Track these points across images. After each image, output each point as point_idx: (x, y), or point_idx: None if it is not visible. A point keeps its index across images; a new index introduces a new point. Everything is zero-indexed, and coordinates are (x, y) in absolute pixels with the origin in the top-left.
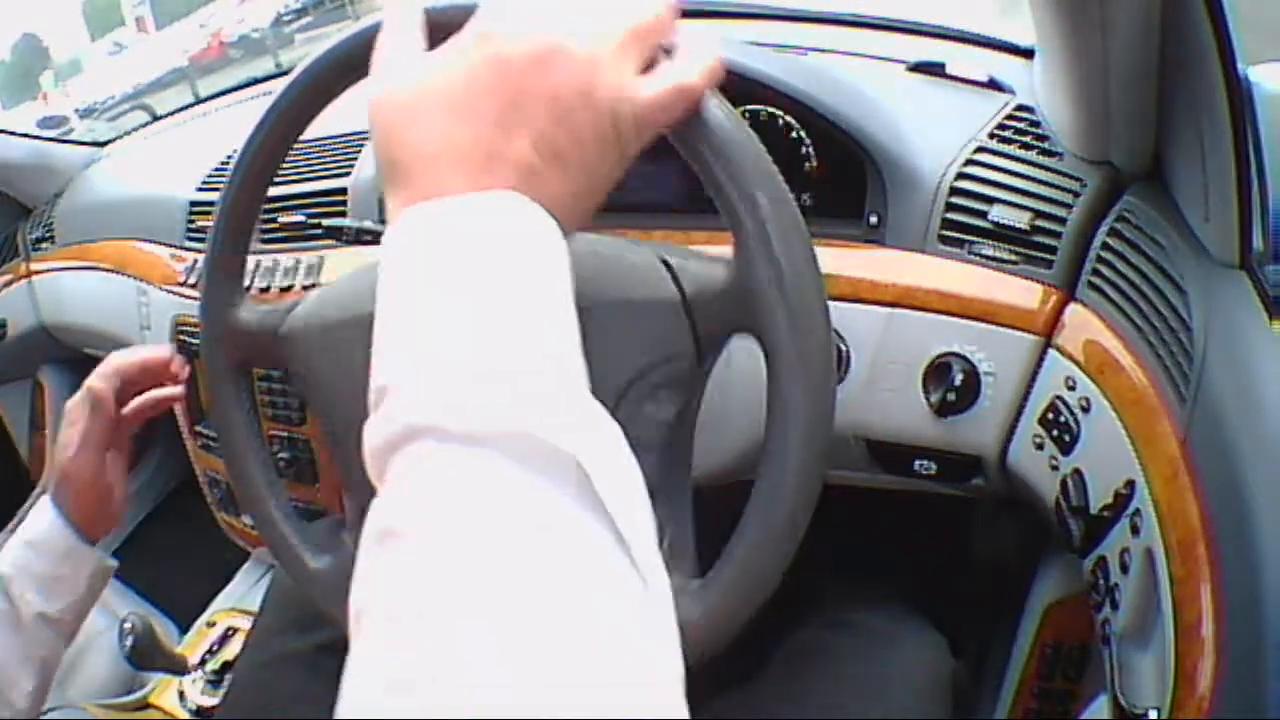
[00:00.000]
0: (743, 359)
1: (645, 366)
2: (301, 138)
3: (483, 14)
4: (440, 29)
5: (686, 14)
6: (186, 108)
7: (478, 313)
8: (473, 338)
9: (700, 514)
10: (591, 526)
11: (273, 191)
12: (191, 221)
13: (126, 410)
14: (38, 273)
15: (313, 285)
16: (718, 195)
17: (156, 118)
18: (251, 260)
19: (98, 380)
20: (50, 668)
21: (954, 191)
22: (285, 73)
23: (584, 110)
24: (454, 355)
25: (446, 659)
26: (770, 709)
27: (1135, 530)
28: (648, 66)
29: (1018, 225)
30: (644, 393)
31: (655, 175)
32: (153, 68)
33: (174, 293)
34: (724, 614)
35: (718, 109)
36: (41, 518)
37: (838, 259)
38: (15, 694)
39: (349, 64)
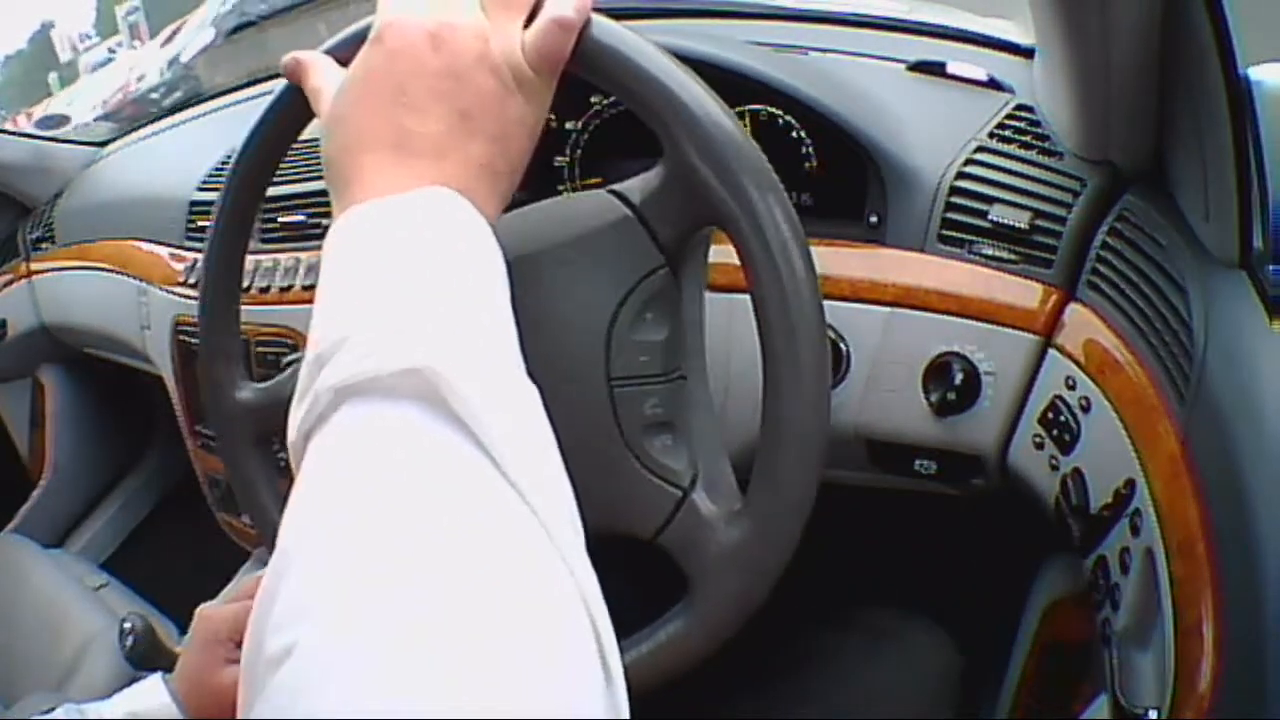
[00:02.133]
0: (743, 363)
1: (623, 294)
2: (301, 137)
3: (377, 21)
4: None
5: (686, 14)
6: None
7: (407, 297)
8: (401, 314)
9: None
10: (471, 458)
11: (273, 191)
12: (191, 221)
13: None
14: (38, 273)
15: (313, 285)
16: (635, 103)
17: (159, 116)
18: (251, 260)
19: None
20: None
21: (954, 191)
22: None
23: (482, 73)
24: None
25: (338, 587)
26: (780, 710)
27: (1135, 530)
28: (530, 20)
29: (1018, 225)
30: (630, 320)
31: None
32: (149, 74)
33: (174, 293)
34: (764, 544)
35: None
36: (152, 698)
37: (838, 259)
38: None
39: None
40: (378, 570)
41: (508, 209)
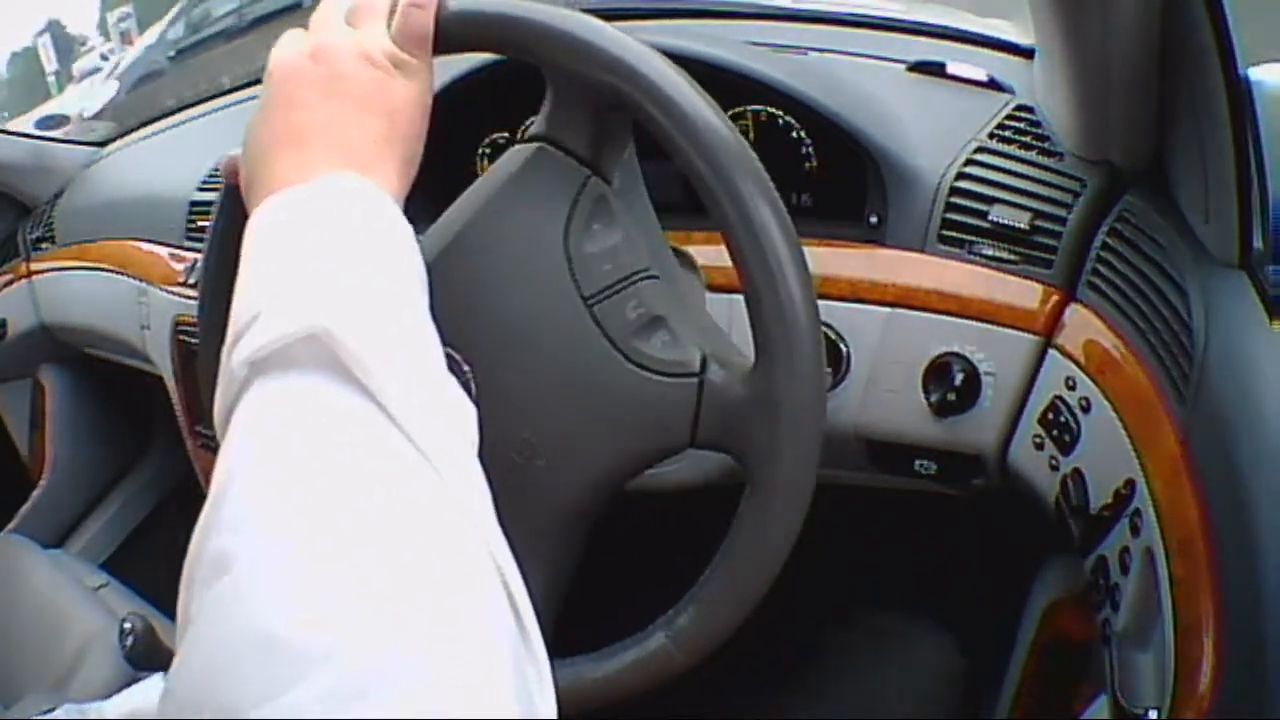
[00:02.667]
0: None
1: (565, 216)
2: None
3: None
4: None
5: (685, 14)
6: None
7: (309, 271)
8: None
9: (691, 521)
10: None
11: None
12: (192, 221)
13: None
14: (38, 273)
15: None
16: (520, 50)
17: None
18: None
19: None
20: None
21: (954, 191)
22: None
23: (361, 67)
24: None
25: (265, 517)
26: (783, 708)
27: (1135, 530)
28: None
29: (1018, 225)
30: (580, 237)
31: (658, 174)
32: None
33: (174, 293)
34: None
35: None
36: (154, 697)
37: (838, 259)
38: None
39: None
40: (297, 521)
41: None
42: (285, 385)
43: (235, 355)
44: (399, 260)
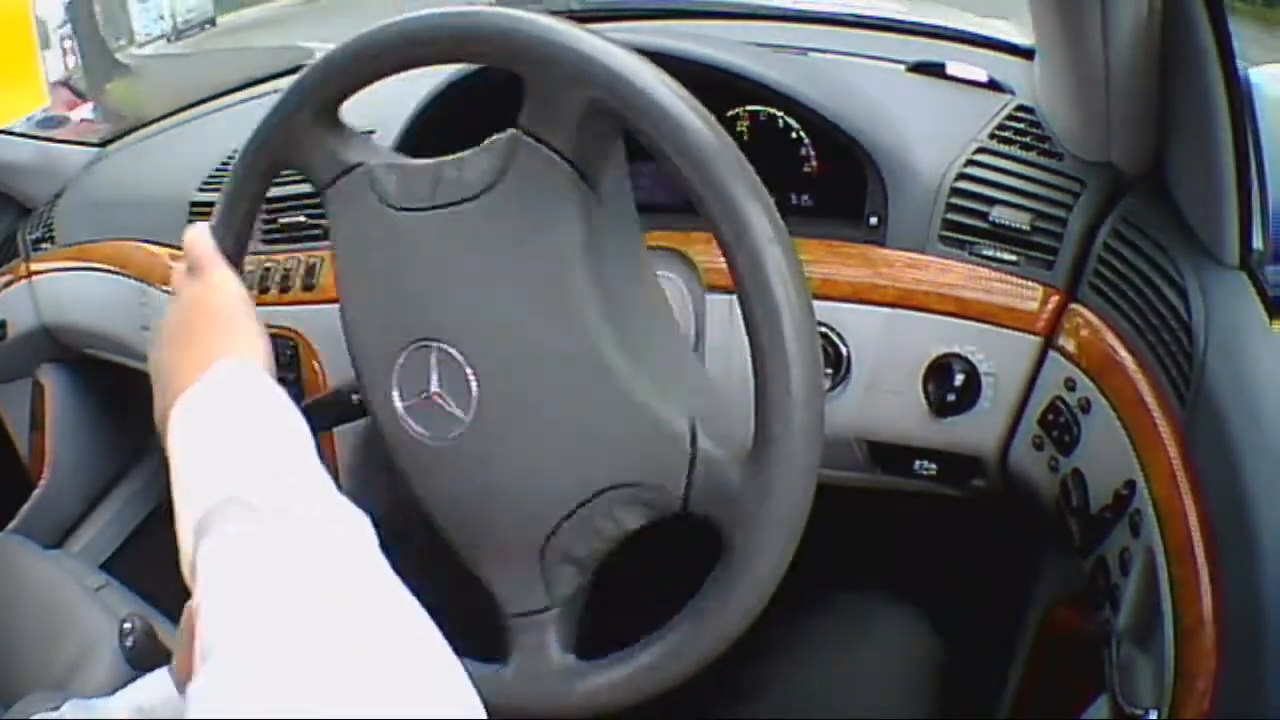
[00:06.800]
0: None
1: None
2: None
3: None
4: None
5: (685, 15)
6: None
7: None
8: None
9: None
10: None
11: (273, 191)
12: (192, 221)
13: None
14: (38, 273)
15: (313, 286)
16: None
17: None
18: (251, 261)
19: None
20: None
21: (954, 192)
22: (292, 71)
23: (187, 298)
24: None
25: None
26: (746, 688)
27: (1135, 530)
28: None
29: (1018, 226)
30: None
31: (655, 175)
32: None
33: (173, 293)
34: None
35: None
36: (158, 689)
37: (838, 259)
38: None
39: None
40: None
41: None
42: (220, 537)
43: (182, 529)
44: (280, 420)
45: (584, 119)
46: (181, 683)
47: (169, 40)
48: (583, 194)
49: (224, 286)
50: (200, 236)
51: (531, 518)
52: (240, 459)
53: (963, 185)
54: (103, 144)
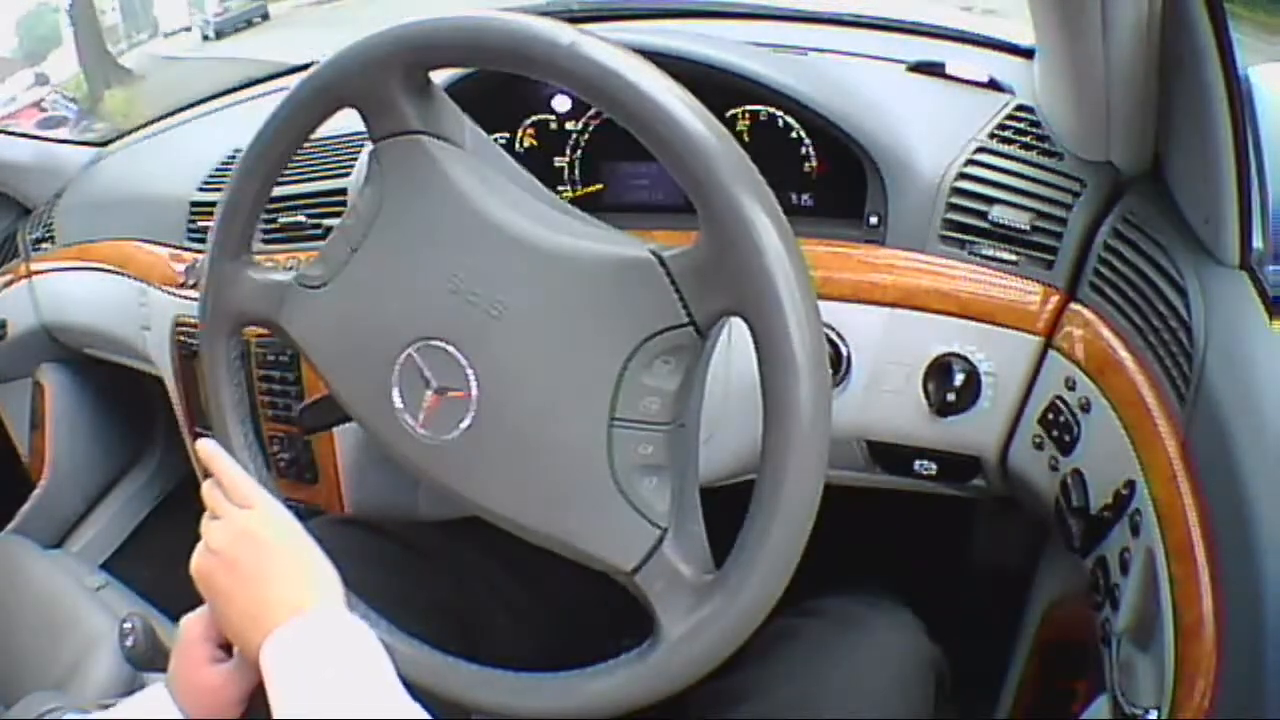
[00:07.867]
0: (743, 362)
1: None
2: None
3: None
4: None
5: (685, 15)
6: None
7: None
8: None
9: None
10: None
11: (273, 192)
12: (193, 221)
13: None
14: (38, 273)
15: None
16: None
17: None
18: None
19: None
20: None
21: (954, 192)
22: (297, 69)
23: (244, 543)
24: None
25: None
26: (742, 696)
27: (1135, 530)
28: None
29: (1018, 225)
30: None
31: (656, 175)
32: None
33: (174, 293)
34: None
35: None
36: (155, 706)
37: (838, 259)
38: None
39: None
40: None
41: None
42: None
43: None
44: (371, 659)
45: (406, 94)
46: (178, 695)
47: (205, 38)
48: (446, 150)
49: (275, 517)
50: (219, 454)
51: (582, 455)
52: (338, 700)
53: (963, 185)
54: (103, 144)
